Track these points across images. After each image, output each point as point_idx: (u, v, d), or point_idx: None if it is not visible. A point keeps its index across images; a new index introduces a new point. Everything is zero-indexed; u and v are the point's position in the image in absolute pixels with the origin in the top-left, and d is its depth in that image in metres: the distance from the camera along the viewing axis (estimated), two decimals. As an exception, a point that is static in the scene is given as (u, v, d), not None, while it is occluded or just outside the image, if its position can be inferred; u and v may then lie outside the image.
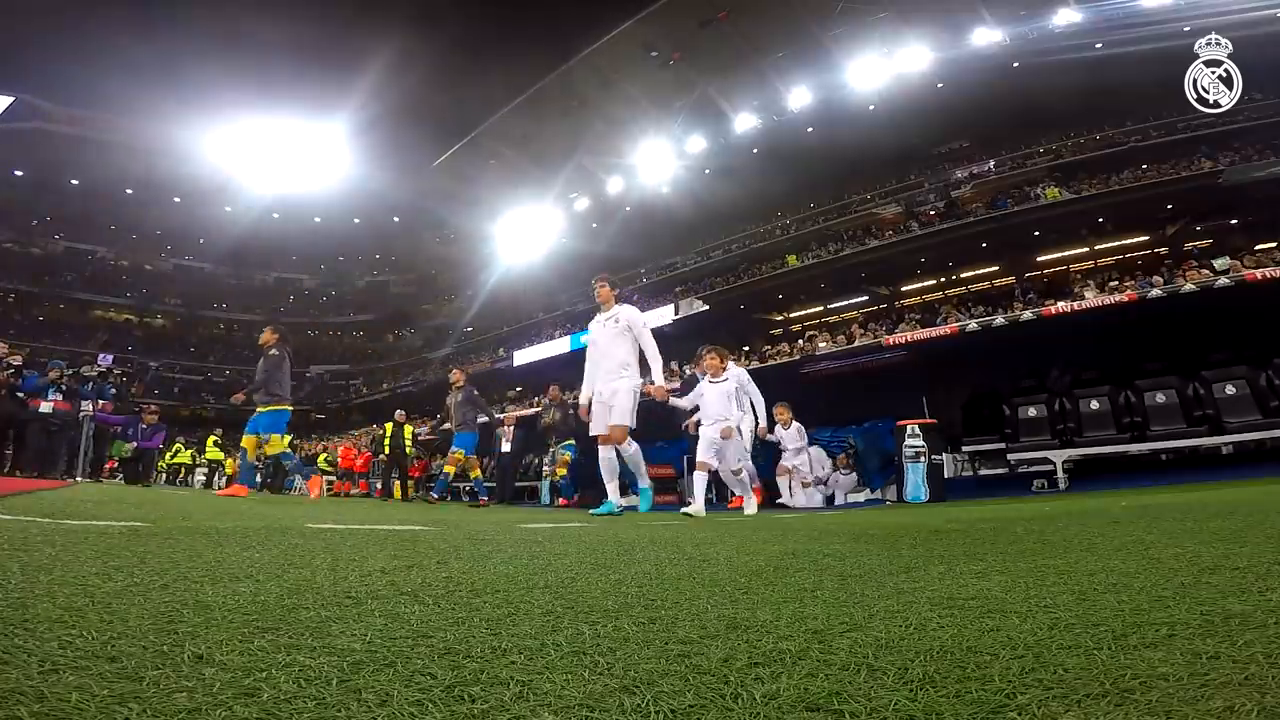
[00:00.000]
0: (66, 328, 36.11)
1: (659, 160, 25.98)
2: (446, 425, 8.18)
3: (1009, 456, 7.67)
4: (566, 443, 9.30)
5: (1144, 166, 18.13)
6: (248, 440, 6.54)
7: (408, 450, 11.54)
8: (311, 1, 26.88)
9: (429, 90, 29.10)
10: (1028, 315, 9.74)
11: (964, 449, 8.58)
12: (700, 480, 5.59)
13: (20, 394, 8.82)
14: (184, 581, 1.11)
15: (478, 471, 8.26)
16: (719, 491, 7.99)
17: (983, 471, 9.39)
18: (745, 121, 24.20)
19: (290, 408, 6.51)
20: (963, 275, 23.10)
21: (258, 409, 6.39)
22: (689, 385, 7.01)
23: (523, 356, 27.90)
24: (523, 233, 30.35)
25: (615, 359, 4.93)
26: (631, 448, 4.93)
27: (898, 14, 19.75)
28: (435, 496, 7.56)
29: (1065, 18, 18.18)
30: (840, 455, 8.18)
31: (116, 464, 12.10)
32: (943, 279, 23.28)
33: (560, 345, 25.26)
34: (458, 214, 32.99)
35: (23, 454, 8.87)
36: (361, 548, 1.79)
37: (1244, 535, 1.64)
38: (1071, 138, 20.56)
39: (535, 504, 10.77)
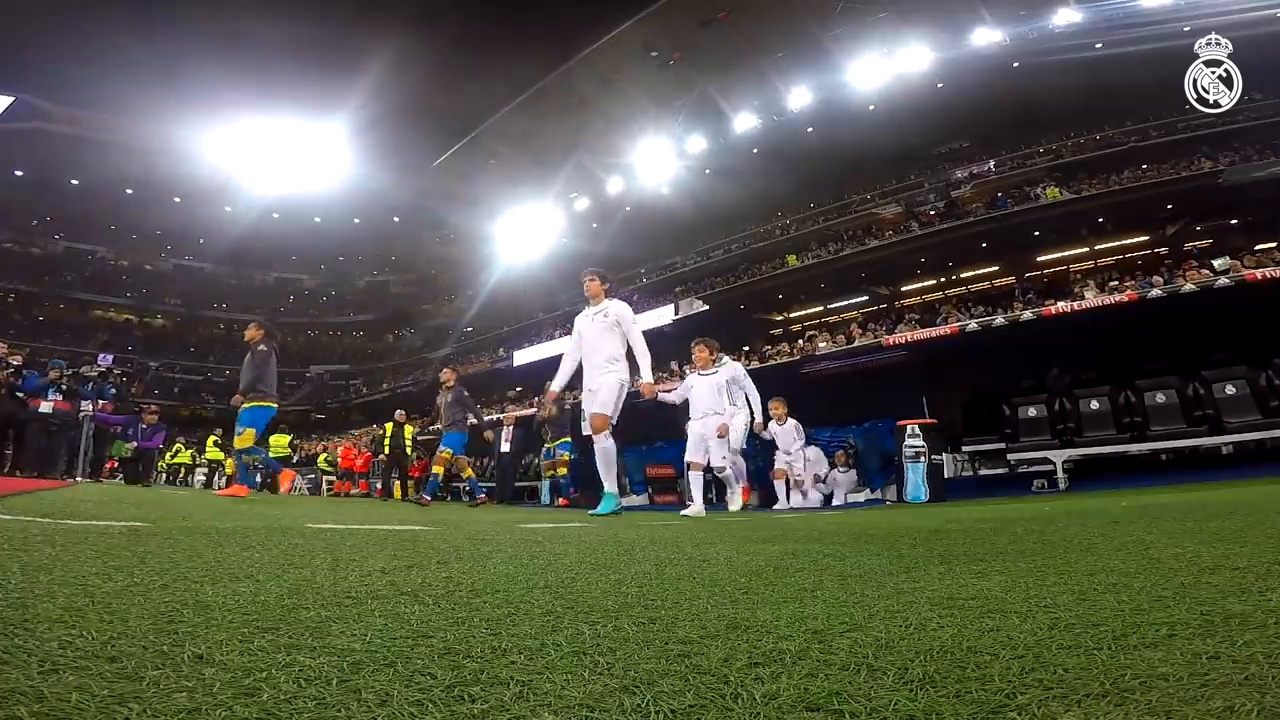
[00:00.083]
0: (66, 328, 36.12)
1: (659, 160, 25.99)
2: (437, 425, 8.16)
3: (1009, 456, 7.66)
4: (563, 440, 9.28)
5: (1144, 166, 18.14)
6: (242, 440, 6.53)
7: (408, 450, 11.55)
8: (311, 1, 26.88)
9: (429, 90, 29.12)
10: (1028, 315, 9.73)
11: (964, 449, 8.57)
12: (696, 480, 5.56)
13: (20, 394, 8.82)
14: (184, 581, 1.11)
15: (469, 471, 8.24)
16: (718, 491, 7.97)
17: (983, 471, 9.38)
18: (745, 121, 24.21)
19: (275, 405, 6.46)
20: (963, 275, 23.10)
21: (242, 405, 6.35)
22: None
23: (522, 356, 27.93)
24: (523, 233, 30.36)
25: (603, 353, 4.84)
26: (606, 443, 4.75)
27: (898, 14, 19.76)
28: (427, 498, 7.55)
29: (1065, 18, 18.19)
30: (839, 452, 8.09)
31: (116, 464, 12.11)
32: (943, 279, 23.28)
33: (560, 345, 25.23)
34: (458, 214, 33.01)
35: (23, 454, 8.87)
36: (361, 548, 1.79)
37: (1244, 535, 1.64)
38: (1071, 138, 20.57)
39: (535, 504, 10.78)
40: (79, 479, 8.85)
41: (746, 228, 26.70)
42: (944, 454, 7.92)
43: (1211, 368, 6.63)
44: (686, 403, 5.89)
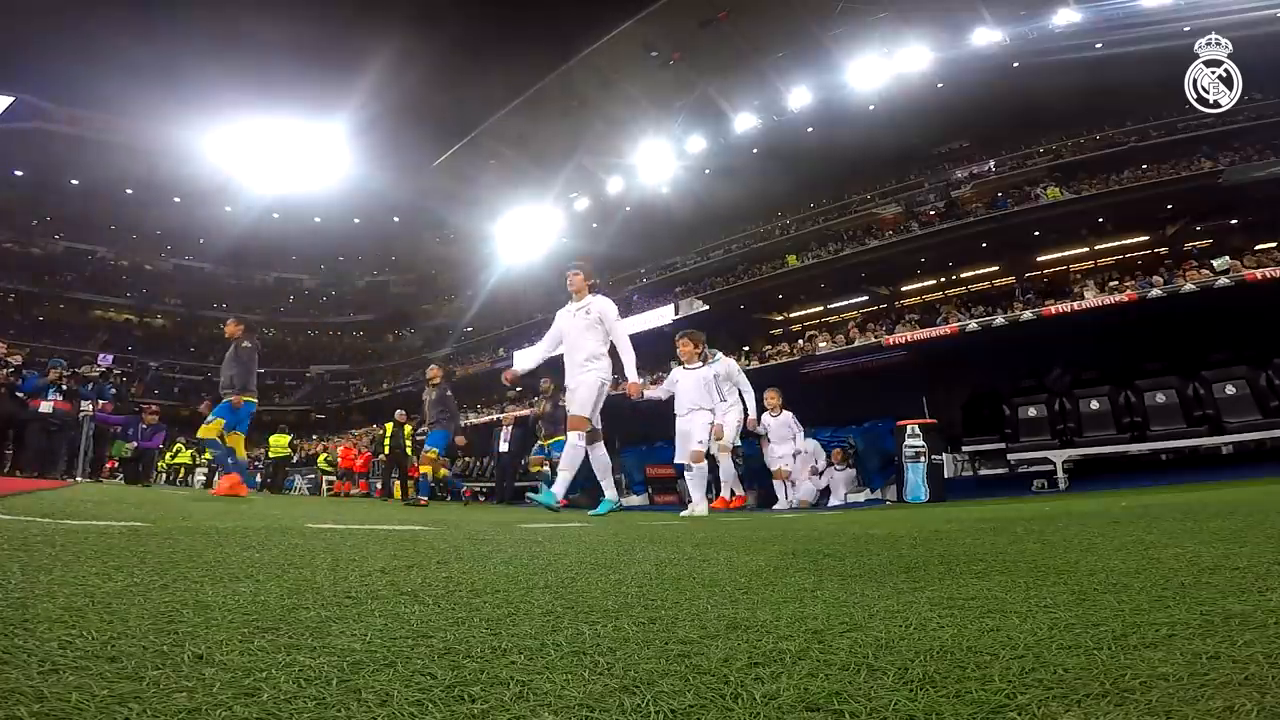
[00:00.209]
0: (66, 328, 36.13)
1: (659, 160, 26.00)
2: (424, 427, 8.18)
3: (1009, 456, 7.66)
4: (557, 440, 9.25)
5: (1144, 166, 18.14)
6: (233, 439, 6.49)
7: (408, 450, 11.54)
8: (311, 1, 26.91)
9: (429, 90, 29.16)
10: (1028, 315, 9.74)
11: (964, 449, 8.56)
12: (693, 479, 5.47)
13: (20, 394, 8.82)
14: (184, 581, 1.11)
15: (444, 471, 8.24)
16: (715, 490, 7.91)
17: (983, 471, 9.38)
18: (745, 121, 24.21)
19: (255, 400, 6.43)
20: (963, 275, 23.11)
21: (224, 398, 6.29)
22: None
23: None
24: (523, 233, 30.36)
25: (584, 351, 4.65)
26: (579, 443, 4.51)
27: (898, 14, 19.76)
28: (424, 499, 7.55)
29: (1065, 18, 18.19)
30: (836, 450, 7.96)
31: (116, 464, 12.11)
32: (943, 279, 23.29)
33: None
34: (458, 214, 33.03)
35: (23, 454, 8.87)
36: (361, 548, 1.79)
37: (1244, 535, 1.64)
38: (1071, 138, 20.57)
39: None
40: (79, 479, 8.85)
41: (746, 228, 26.71)
42: (944, 454, 7.90)
43: (1211, 368, 6.62)
44: (674, 398, 5.67)
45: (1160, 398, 6.67)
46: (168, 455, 16.81)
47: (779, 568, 1.50)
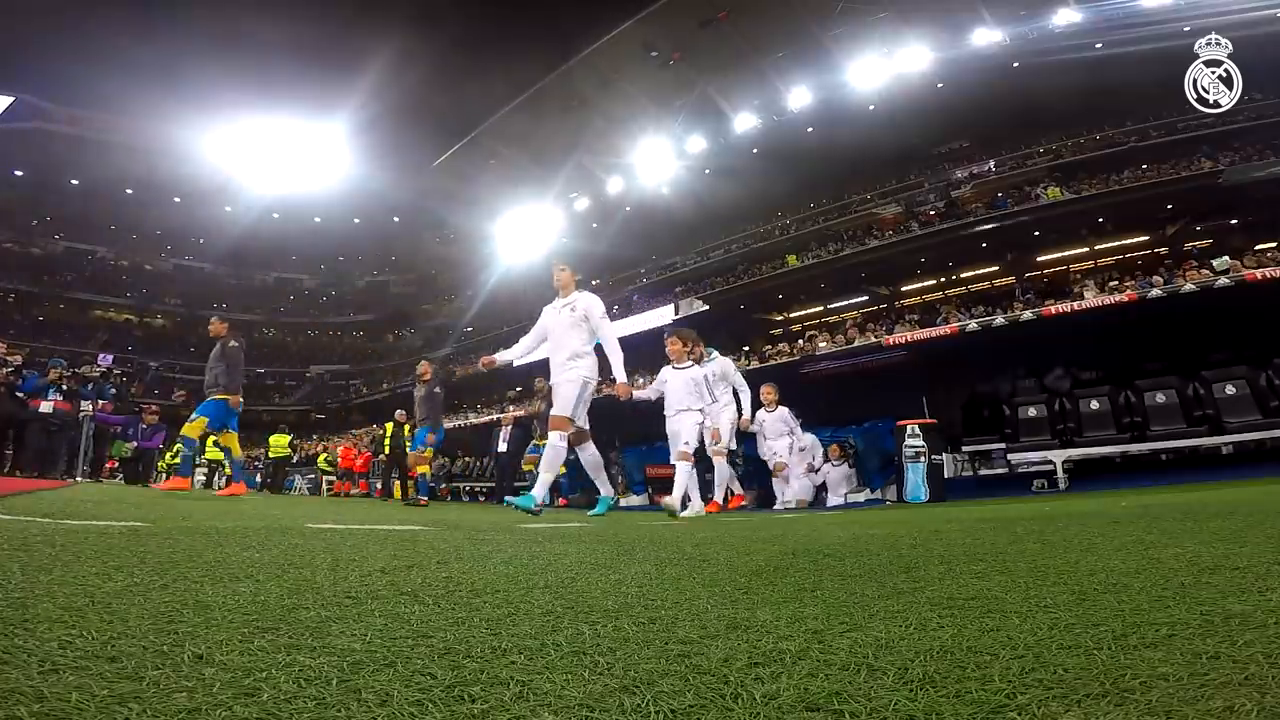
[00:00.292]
0: (66, 328, 36.12)
1: (659, 160, 25.99)
2: (414, 424, 8.20)
3: (1009, 456, 7.66)
4: None
5: (1144, 166, 18.14)
6: (227, 439, 6.49)
7: (408, 450, 11.55)
8: (311, 1, 26.90)
9: (429, 90, 29.13)
10: (1028, 315, 9.74)
11: (964, 449, 8.57)
12: (691, 477, 5.29)
13: (20, 394, 8.82)
14: (184, 581, 1.11)
15: (426, 469, 8.29)
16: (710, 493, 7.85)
17: (983, 471, 9.39)
18: (745, 121, 24.20)
19: (241, 400, 6.40)
20: (963, 275, 23.10)
21: (208, 397, 6.22)
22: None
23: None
24: (523, 233, 30.35)
25: (567, 349, 4.48)
26: (560, 444, 4.34)
27: (898, 14, 19.76)
28: (424, 499, 7.56)
29: (1065, 18, 18.18)
30: (833, 445, 7.87)
31: (116, 464, 12.10)
32: (943, 279, 23.28)
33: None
34: (458, 214, 33.02)
35: (23, 454, 8.88)
36: (361, 548, 1.79)
37: (1244, 535, 1.64)
38: (1071, 138, 20.56)
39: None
40: (79, 479, 8.85)
41: (746, 228, 26.70)
42: (944, 454, 7.89)
43: (1211, 368, 6.63)
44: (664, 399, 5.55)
45: (1160, 398, 6.67)
46: (168, 455, 16.80)
47: (779, 568, 1.50)
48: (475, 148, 27.91)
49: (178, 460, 17.33)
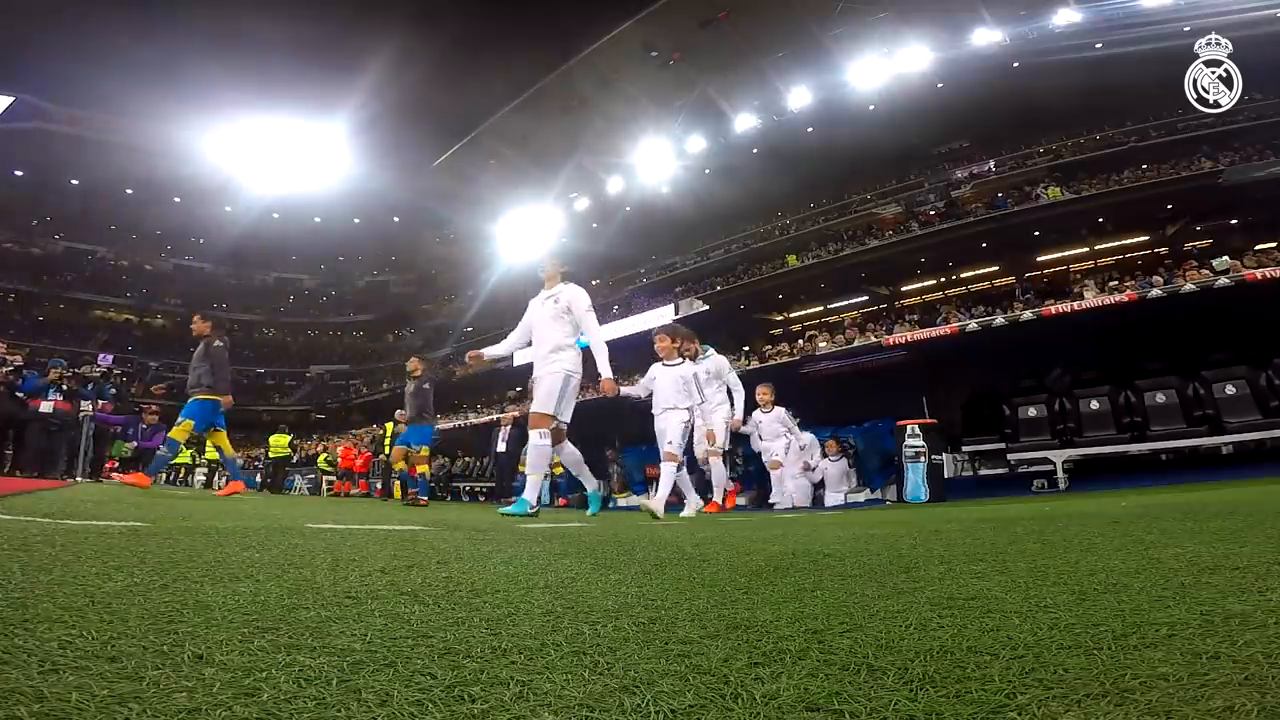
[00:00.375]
0: (66, 328, 36.12)
1: (659, 160, 25.99)
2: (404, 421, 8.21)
3: (1009, 456, 7.66)
4: None
5: (1144, 166, 18.14)
6: (216, 438, 6.43)
7: (395, 445, 11.56)
8: (311, 1, 26.90)
9: (429, 90, 29.13)
10: (1028, 315, 9.74)
11: (964, 449, 8.57)
12: (683, 478, 5.24)
13: (20, 394, 8.83)
14: (184, 581, 1.11)
15: (401, 464, 8.32)
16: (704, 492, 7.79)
17: (983, 471, 9.38)
18: (745, 121, 24.21)
19: (222, 399, 6.29)
20: (963, 275, 23.12)
21: (191, 398, 6.09)
22: None
23: (523, 356, 27.80)
24: (523, 233, 30.36)
25: (550, 342, 4.33)
26: (542, 442, 4.20)
27: (898, 14, 19.76)
28: (424, 499, 7.57)
29: (1065, 18, 18.18)
30: (830, 441, 7.81)
31: (116, 464, 12.10)
32: (943, 279, 23.29)
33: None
34: (458, 214, 33.03)
35: (23, 454, 8.88)
36: (361, 548, 1.79)
37: (1244, 535, 1.64)
38: (1071, 138, 20.57)
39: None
40: (79, 479, 8.85)
41: (746, 228, 26.71)
42: (944, 454, 7.90)
43: (1211, 368, 6.63)
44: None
45: (1160, 398, 6.67)
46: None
47: (779, 568, 1.50)
48: (475, 148, 27.91)
49: (177, 460, 17.32)
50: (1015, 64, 19.48)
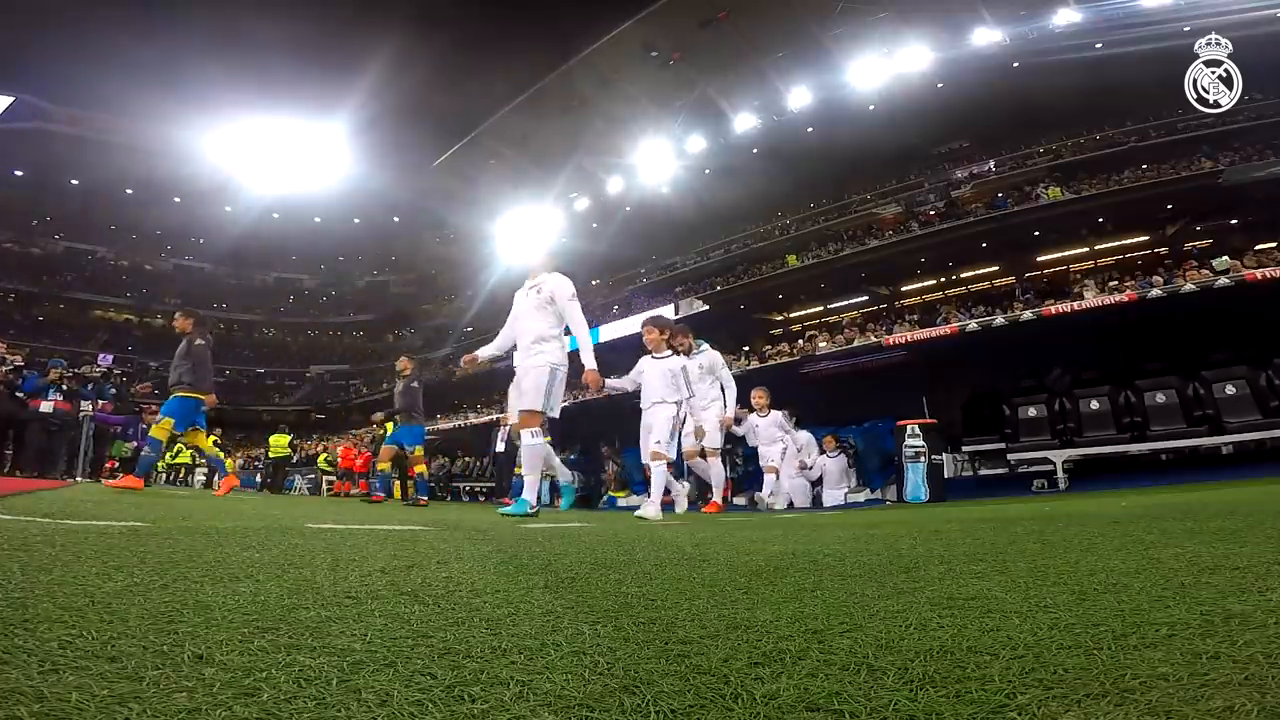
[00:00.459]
0: (66, 328, 36.13)
1: (659, 160, 25.99)
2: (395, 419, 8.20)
3: (1009, 456, 7.67)
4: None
5: (1144, 166, 18.14)
6: (196, 437, 6.33)
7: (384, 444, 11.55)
8: (311, 1, 26.91)
9: (429, 90, 29.15)
10: (1028, 315, 9.74)
11: (964, 449, 8.57)
12: (674, 477, 5.16)
13: (20, 394, 8.83)
14: (184, 581, 1.11)
15: (386, 465, 8.29)
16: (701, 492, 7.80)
17: (983, 471, 9.38)
18: (745, 121, 24.20)
19: (204, 396, 6.21)
20: (963, 275, 23.11)
21: (173, 393, 5.96)
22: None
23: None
24: (523, 233, 30.36)
25: (532, 333, 4.18)
26: (534, 440, 4.09)
27: (898, 14, 19.75)
28: (424, 499, 7.57)
29: (1065, 18, 18.18)
30: (828, 437, 7.74)
31: (116, 464, 12.11)
32: (943, 279, 23.29)
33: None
34: (458, 214, 33.02)
35: (23, 454, 8.89)
36: (361, 548, 1.79)
37: (1244, 535, 1.64)
38: (1071, 138, 20.57)
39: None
40: (79, 479, 8.85)
41: (746, 228, 26.71)
42: (944, 454, 7.90)
43: (1211, 368, 6.63)
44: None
45: (1160, 398, 6.67)
46: (168, 455, 16.79)
47: (779, 568, 1.50)
48: (475, 148, 27.91)
49: (177, 460, 17.32)
50: (1015, 64, 19.47)
